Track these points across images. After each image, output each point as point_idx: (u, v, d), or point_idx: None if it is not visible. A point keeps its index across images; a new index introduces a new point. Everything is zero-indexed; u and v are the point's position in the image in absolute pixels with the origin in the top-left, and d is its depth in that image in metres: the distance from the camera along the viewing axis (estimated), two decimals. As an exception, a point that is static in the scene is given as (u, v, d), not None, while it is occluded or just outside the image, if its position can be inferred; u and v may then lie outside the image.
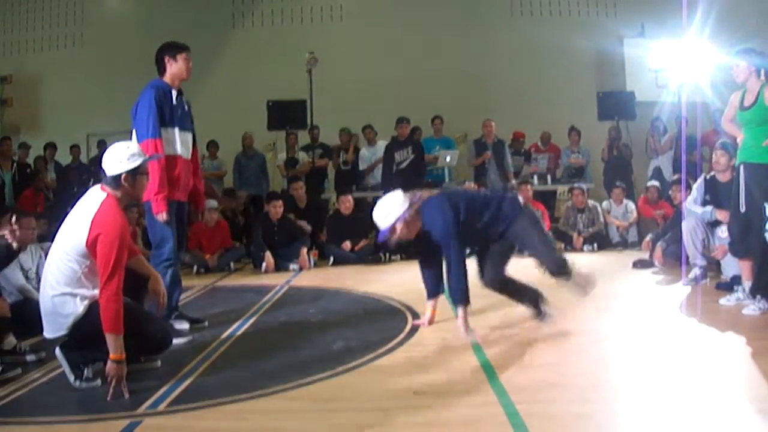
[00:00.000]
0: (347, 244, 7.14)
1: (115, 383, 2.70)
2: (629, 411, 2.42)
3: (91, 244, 2.78)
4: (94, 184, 3.05)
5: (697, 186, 5.03)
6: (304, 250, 6.85)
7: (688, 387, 2.65)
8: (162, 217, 3.71)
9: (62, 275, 2.84)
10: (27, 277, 4.12)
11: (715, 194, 4.83)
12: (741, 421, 2.27)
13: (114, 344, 2.71)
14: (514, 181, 8.61)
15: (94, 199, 2.91)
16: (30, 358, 3.32)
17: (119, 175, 2.93)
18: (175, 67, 3.85)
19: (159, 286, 3.19)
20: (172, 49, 3.87)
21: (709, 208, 4.86)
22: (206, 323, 4.01)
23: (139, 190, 3.04)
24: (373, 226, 8.01)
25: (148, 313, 3.12)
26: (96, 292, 2.82)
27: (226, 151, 9.45)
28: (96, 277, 2.83)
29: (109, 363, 2.71)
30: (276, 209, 6.96)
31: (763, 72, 3.86)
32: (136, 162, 2.98)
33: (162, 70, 3.87)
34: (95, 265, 2.80)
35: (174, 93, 3.84)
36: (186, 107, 3.94)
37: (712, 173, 4.91)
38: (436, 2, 10.75)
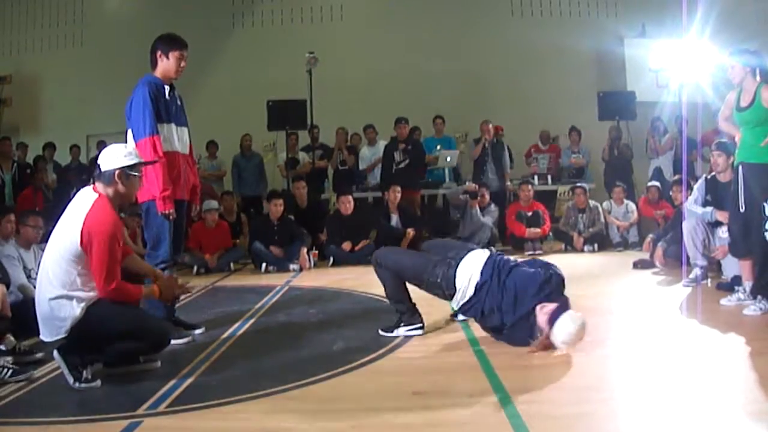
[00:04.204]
0: (347, 245, 7.13)
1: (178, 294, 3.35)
2: (629, 411, 2.41)
3: (86, 244, 2.78)
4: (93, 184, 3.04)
5: (698, 186, 5.02)
6: (304, 250, 6.85)
7: (689, 387, 2.64)
8: (170, 215, 3.60)
9: (57, 278, 2.83)
10: (29, 277, 4.14)
11: (716, 194, 4.83)
12: (741, 421, 2.26)
13: (144, 296, 3.08)
14: (509, 182, 8.62)
15: (85, 199, 2.91)
16: (33, 357, 3.31)
17: (113, 172, 2.93)
18: (165, 65, 3.70)
19: (173, 284, 3.29)
20: (166, 44, 3.70)
21: (709, 209, 4.86)
22: (203, 329, 3.90)
23: (131, 189, 3.05)
24: (373, 226, 7.94)
25: (144, 312, 3.12)
26: (92, 293, 2.82)
27: (226, 152, 9.45)
28: (92, 278, 2.82)
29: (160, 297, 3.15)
30: (276, 207, 6.96)
31: (758, 72, 3.85)
32: (132, 161, 3.00)
33: (153, 63, 3.73)
34: (90, 265, 2.80)
35: (167, 88, 3.70)
36: (179, 102, 3.82)
37: (713, 173, 4.90)
38: (436, 2, 10.75)
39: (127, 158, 2.99)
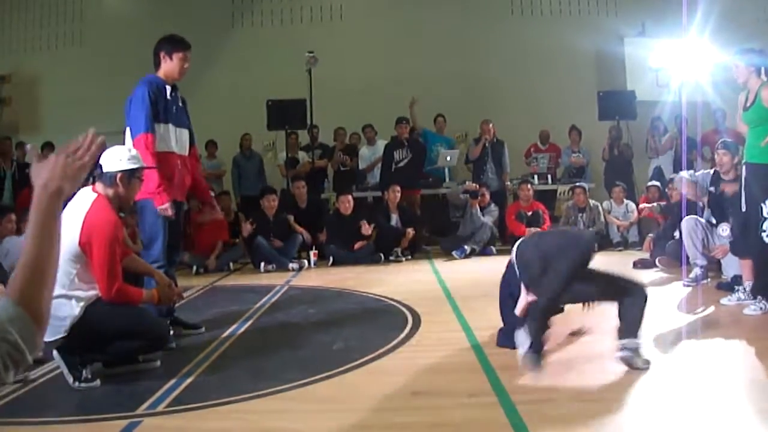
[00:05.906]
0: (361, 244, 7.15)
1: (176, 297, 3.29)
2: (629, 411, 2.41)
3: (84, 244, 2.78)
4: (92, 183, 3.04)
5: (703, 174, 5.01)
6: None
7: (689, 387, 2.64)
8: (167, 210, 3.56)
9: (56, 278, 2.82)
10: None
11: (719, 188, 4.83)
12: (742, 421, 2.26)
13: (143, 301, 3.03)
14: (509, 182, 8.61)
15: (84, 199, 2.91)
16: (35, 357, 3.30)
17: (115, 174, 2.94)
18: (169, 66, 3.71)
19: (171, 290, 3.22)
20: (169, 45, 3.72)
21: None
22: (203, 329, 3.90)
23: (130, 193, 3.06)
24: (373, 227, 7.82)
25: (144, 311, 3.11)
26: (91, 293, 2.81)
27: (226, 151, 9.44)
28: (90, 277, 2.82)
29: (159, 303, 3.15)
30: (270, 203, 6.97)
31: (763, 71, 3.85)
32: (135, 165, 3.01)
33: (157, 63, 3.74)
34: (89, 265, 2.79)
35: (168, 89, 3.70)
36: (181, 103, 3.82)
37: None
38: (436, 2, 10.73)
39: (131, 162, 3.01)
